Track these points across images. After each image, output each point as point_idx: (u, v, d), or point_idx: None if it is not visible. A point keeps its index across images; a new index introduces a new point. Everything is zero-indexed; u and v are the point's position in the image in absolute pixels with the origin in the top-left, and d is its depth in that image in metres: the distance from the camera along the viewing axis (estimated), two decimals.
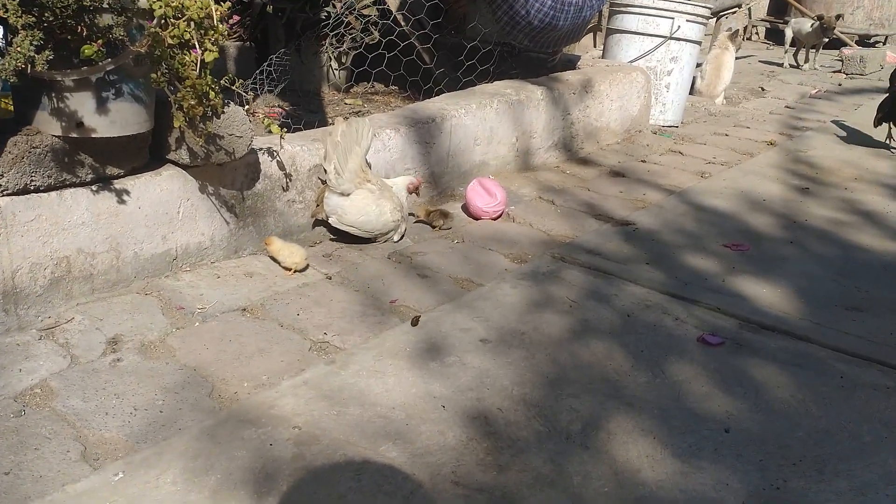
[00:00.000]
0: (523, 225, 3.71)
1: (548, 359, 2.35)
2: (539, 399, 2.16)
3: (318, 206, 3.29)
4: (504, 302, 2.72)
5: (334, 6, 5.20)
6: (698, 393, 2.23)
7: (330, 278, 2.95)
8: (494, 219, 3.71)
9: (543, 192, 4.16)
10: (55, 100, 2.29)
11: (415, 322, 2.56)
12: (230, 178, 2.95)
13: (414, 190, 3.36)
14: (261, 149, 3.07)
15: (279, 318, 2.61)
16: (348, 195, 3.20)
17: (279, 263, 2.99)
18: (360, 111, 5.02)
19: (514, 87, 4.44)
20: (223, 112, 2.66)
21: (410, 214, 3.51)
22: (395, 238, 3.36)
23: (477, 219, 3.71)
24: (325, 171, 3.22)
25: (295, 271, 2.96)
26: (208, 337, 2.47)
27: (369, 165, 3.35)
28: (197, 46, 2.40)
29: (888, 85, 5.05)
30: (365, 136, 3.24)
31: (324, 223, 3.30)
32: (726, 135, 5.58)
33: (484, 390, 2.19)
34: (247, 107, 3.03)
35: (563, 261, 3.12)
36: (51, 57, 2.14)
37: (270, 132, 2.99)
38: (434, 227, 3.54)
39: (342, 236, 3.30)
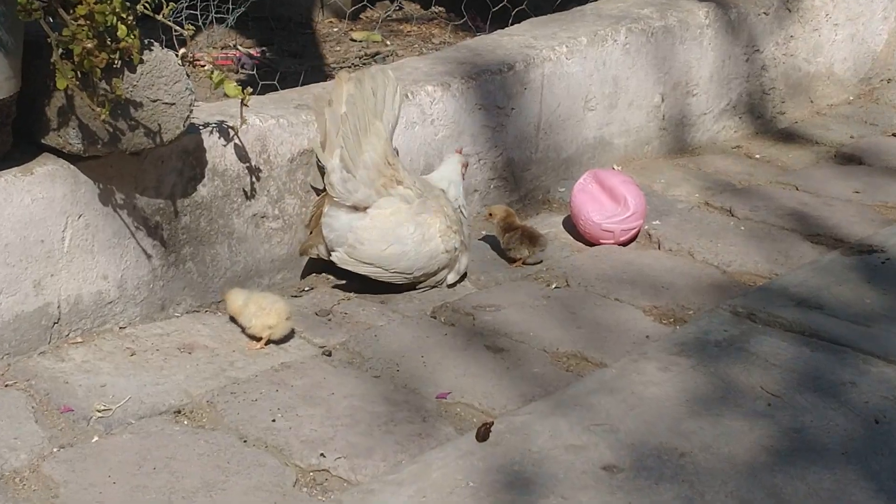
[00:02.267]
0: (677, 254, 3.64)
1: (730, 502, 2.33)
2: None
3: (311, 230, 3.32)
4: (645, 396, 2.68)
5: None
6: None
7: (329, 354, 2.96)
8: (624, 242, 3.69)
9: (713, 192, 4.10)
10: None
11: (483, 434, 2.53)
12: (154, 178, 2.98)
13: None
14: (207, 125, 3.10)
15: (241, 426, 2.62)
16: (365, 209, 3.23)
17: (242, 328, 3.01)
18: (379, 54, 5.07)
19: (654, 3, 4.44)
20: (141, 61, 2.70)
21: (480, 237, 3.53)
22: (451, 279, 3.39)
23: (592, 243, 3.69)
24: (322, 166, 3.24)
25: (269, 342, 2.97)
26: (115, 462, 2.47)
27: (396, 153, 3.36)
28: None
29: None
30: (390, 103, 3.26)
31: (323, 261, 3.33)
32: None
33: None
34: (182, 51, 3.07)
35: (753, 319, 3.06)
36: None
37: (225, 94, 3.01)
38: (514, 262, 3.55)
39: (352, 279, 3.33)
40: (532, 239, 3.52)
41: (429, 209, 3.26)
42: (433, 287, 3.35)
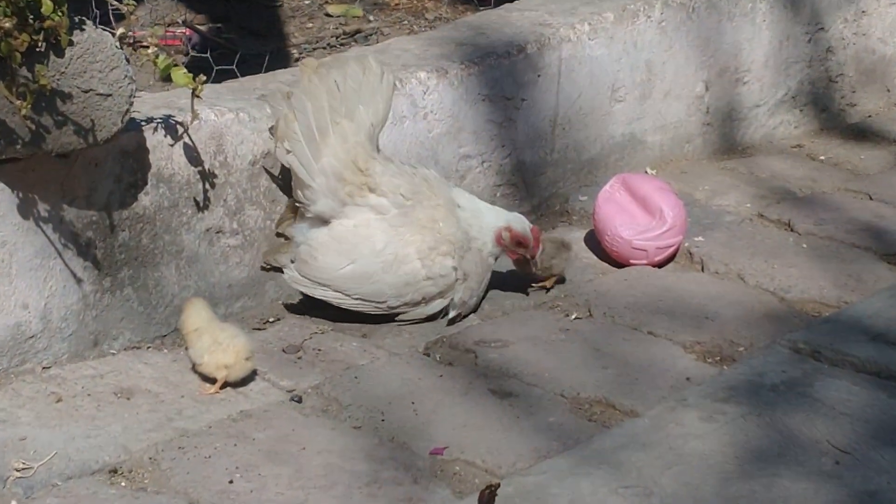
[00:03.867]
0: (724, 277, 3.65)
1: None
2: None
3: (277, 232, 3.37)
4: (685, 452, 2.67)
5: None
6: None
7: (299, 400, 2.96)
8: (659, 263, 3.71)
9: (767, 202, 4.12)
10: None
11: (487, 499, 2.50)
12: (85, 185, 2.98)
13: (520, 247, 3.35)
14: (150, 120, 3.10)
15: (191, 489, 2.61)
16: (328, 221, 3.26)
17: (194, 366, 3.01)
18: (360, 33, 5.07)
19: None
20: (71, 43, 2.69)
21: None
22: (451, 313, 3.38)
23: (621, 263, 3.71)
24: (291, 169, 3.25)
25: (225, 384, 2.98)
26: None
27: (377, 149, 3.36)
28: None
29: None
30: (368, 96, 3.26)
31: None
32: None
33: None
34: (121, 30, 3.07)
35: (817, 358, 3.06)
36: None
37: (171, 81, 3.00)
38: (541, 283, 3.52)
39: (330, 307, 3.33)
40: (562, 245, 3.52)
41: (411, 222, 3.26)
42: (427, 318, 3.35)
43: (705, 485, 2.58)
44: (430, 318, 3.36)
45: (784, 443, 2.72)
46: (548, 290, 3.54)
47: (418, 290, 3.29)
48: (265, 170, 3.31)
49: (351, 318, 3.31)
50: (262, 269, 3.34)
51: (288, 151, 3.20)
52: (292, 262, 3.28)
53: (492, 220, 3.38)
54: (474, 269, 3.35)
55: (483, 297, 3.46)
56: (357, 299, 3.28)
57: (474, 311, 3.43)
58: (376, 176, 3.26)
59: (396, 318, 3.33)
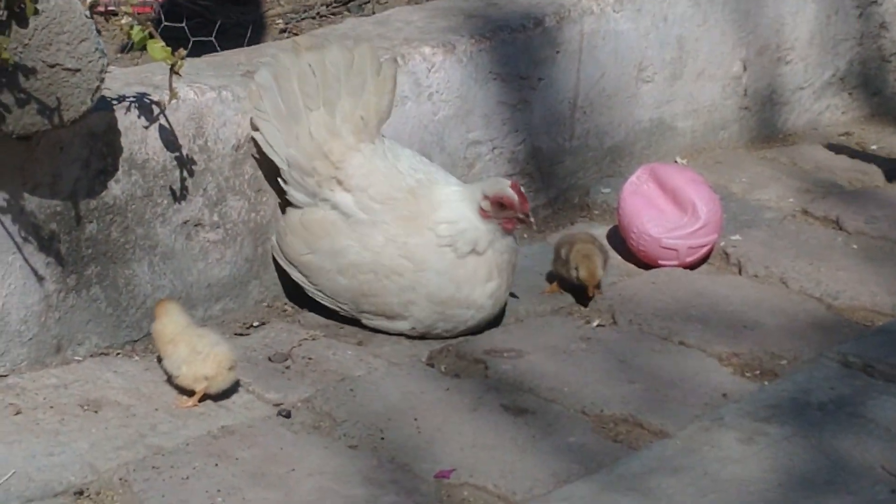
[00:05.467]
0: (764, 281, 3.65)
1: None
2: None
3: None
4: (721, 478, 2.67)
5: None
6: None
7: (288, 415, 2.96)
8: (691, 264, 3.72)
9: (813, 196, 4.12)
10: None
11: None
12: (49, 172, 2.97)
13: (504, 210, 3.29)
14: (123, 99, 3.10)
15: None
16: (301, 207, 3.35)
17: (170, 377, 3.01)
18: (354, 1, 5.02)
19: None
20: (36, 12, 2.68)
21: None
22: (402, 327, 3.35)
23: (649, 264, 3.73)
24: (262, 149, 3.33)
25: (204, 397, 2.98)
26: None
27: (373, 142, 3.37)
28: None
29: None
30: (366, 85, 3.30)
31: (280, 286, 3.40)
32: None
33: None
34: None
35: (870, 373, 3.06)
36: None
37: (146, 53, 3.04)
38: (591, 292, 3.47)
39: (324, 309, 3.36)
40: (602, 248, 3.52)
41: (377, 231, 3.28)
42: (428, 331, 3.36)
43: None
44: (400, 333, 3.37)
45: (833, 468, 2.71)
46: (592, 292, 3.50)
47: (374, 304, 3.31)
48: (251, 156, 3.31)
49: (344, 321, 3.34)
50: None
51: (255, 129, 3.27)
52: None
53: (472, 202, 3.31)
54: (445, 293, 3.31)
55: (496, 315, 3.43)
56: (317, 290, 3.33)
57: (475, 332, 3.38)
58: (349, 169, 3.29)
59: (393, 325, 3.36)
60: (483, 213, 3.28)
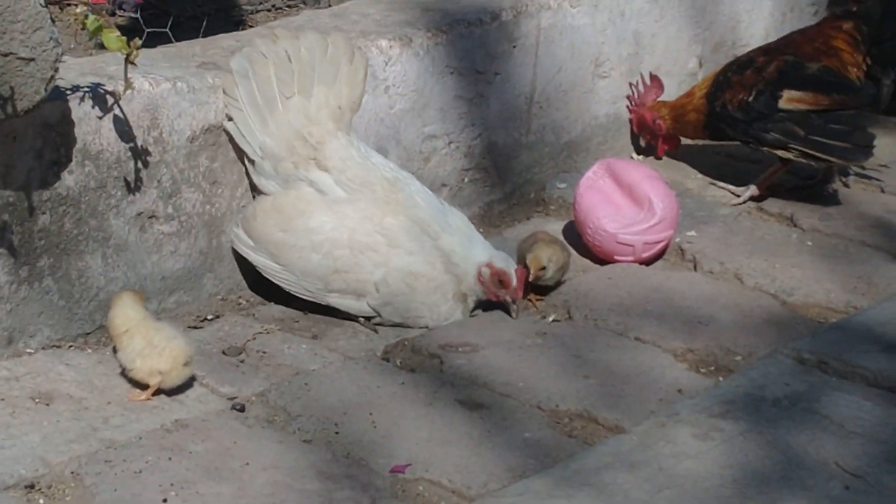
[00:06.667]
0: (719, 277, 3.67)
1: None
2: None
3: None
4: (676, 473, 2.68)
5: None
6: None
7: (242, 409, 2.95)
8: (647, 260, 3.74)
9: (768, 192, 4.13)
10: None
11: None
12: (1, 162, 2.95)
13: (500, 287, 3.36)
14: (77, 89, 3.09)
15: None
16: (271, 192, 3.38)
17: (124, 370, 3.00)
18: None
19: None
20: None
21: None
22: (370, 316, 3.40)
23: (604, 260, 3.73)
24: (234, 140, 3.33)
25: (158, 391, 2.97)
26: None
27: (348, 133, 3.41)
28: None
29: None
30: (339, 75, 3.34)
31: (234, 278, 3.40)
32: None
33: None
34: None
35: (824, 369, 3.08)
36: None
37: (102, 46, 3.00)
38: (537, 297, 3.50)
39: (281, 301, 3.36)
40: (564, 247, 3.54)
41: (354, 208, 3.32)
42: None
43: None
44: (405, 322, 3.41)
45: (787, 464, 2.72)
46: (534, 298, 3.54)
47: (346, 280, 3.33)
48: (207, 147, 3.31)
49: (299, 315, 3.34)
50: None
51: (229, 119, 3.29)
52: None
53: (479, 252, 3.41)
54: (423, 298, 3.38)
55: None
56: (286, 273, 3.34)
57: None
58: (327, 151, 3.32)
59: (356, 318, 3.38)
60: (479, 278, 3.38)
